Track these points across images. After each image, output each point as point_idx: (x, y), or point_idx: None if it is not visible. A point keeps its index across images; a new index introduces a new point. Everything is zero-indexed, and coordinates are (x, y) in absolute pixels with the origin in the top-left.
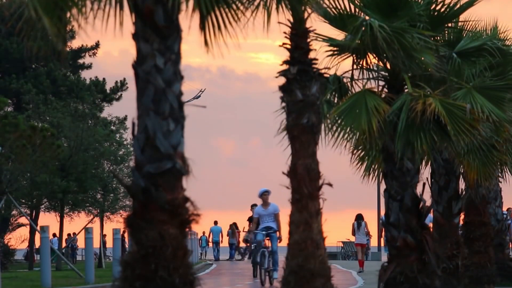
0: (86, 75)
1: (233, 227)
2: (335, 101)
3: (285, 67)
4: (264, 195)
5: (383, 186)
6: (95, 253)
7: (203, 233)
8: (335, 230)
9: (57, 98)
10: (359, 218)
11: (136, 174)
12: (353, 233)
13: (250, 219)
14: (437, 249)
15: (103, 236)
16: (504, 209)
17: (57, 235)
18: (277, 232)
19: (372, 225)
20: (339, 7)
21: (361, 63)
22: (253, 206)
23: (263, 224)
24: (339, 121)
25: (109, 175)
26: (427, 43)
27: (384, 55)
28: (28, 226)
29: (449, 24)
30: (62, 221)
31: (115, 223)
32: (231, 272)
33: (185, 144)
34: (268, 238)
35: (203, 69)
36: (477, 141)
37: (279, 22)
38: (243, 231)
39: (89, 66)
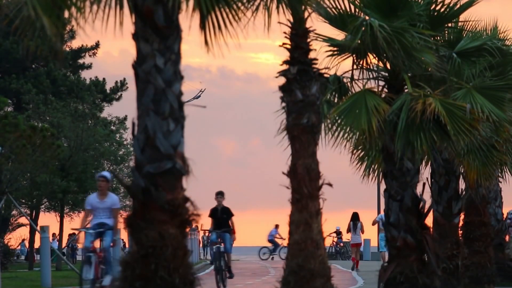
0: (86, 75)
1: None
2: (335, 101)
3: (285, 67)
4: (100, 180)
5: (383, 186)
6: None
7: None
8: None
9: (57, 98)
10: (356, 218)
11: (136, 174)
12: (348, 231)
13: (212, 214)
14: (437, 249)
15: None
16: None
17: (57, 235)
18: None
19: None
20: (339, 7)
21: (361, 63)
22: (218, 194)
23: (96, 220)
24: (339, 121)
25: None
26: (427, 43)
27: (384, 55)
28: (28, 226)
29: (449, 24)
30: (62, 221)
31: None
32: None
33: (185, 144)
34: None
35: (203, 69)
36: (477, 141)
37: (279, 22)
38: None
39: (89, 66)
